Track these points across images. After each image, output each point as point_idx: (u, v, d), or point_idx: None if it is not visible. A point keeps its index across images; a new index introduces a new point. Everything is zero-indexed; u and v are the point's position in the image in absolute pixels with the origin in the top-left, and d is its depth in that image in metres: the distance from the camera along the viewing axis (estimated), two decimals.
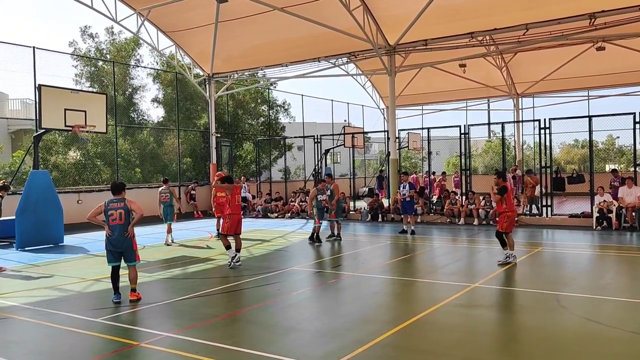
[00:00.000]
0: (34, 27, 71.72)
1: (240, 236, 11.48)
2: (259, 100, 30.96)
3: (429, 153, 20.85)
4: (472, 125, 19.93)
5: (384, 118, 32.93)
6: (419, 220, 18.21)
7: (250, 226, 18.82)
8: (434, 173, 22.66)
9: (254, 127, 30.76)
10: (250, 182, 25.53)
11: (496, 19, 18.31)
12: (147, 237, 16.10)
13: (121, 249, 8.13)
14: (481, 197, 18.33)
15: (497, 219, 11.77)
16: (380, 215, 20.12)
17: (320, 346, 6.10)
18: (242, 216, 12.11)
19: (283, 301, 8.27)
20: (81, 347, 6.32)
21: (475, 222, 17.89)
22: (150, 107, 35.23)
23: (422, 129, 23.30)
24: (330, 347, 6.01)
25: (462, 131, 19.15)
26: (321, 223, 14.47)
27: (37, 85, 15.09)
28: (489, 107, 34.13)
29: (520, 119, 30.20)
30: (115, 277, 8.18)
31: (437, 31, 19.36)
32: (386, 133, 22.64)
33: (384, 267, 11.21)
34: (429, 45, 19.83)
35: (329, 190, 15.24)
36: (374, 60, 21.98)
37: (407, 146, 25.90)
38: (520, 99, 31.07)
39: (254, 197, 24.63)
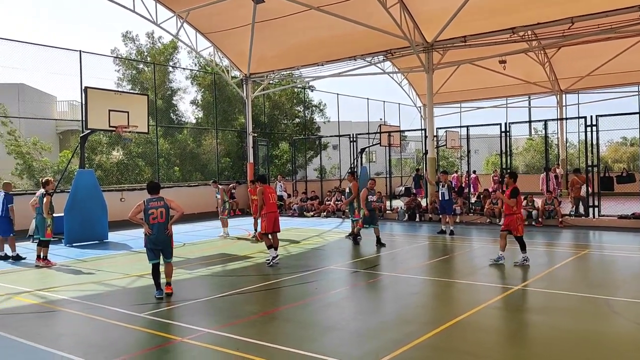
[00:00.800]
0: (79, 32, 74.07)
1: (277, 235, 11.60)
2: (294, 101, 31.13)
3: (468, 152, 20.53)
4: (513, 123, 19.51)
5: (421, 116, 32.62)
6: (457, 220, 17.97)
7: (286, 225, 18.92)
8: (474, 172, 22.32)
9: (289, 127, 30.95)
10: (286, 181, 25.70)
11: (539, 13, 17.87)
12: (185, 235, 16.43)
13: (161, 247, 8.38)
14: (523, 197, 17.92)
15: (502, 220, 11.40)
16: (417, 215, 19.95)
17: (360, 346, 6.11)
18: (279, 214, 12.20)
19: (321, 300, 8.31)
20: (126, 341, 6.51)
21: None
22: (189, 108, 35.91)
23: (461, 127, 22.95)
24: (370, 347, 6.02)
25: (503, 129, 18.79)
26: (366, 227, 13.81)
27: (83, 88, 15.56)
28: (529, 104, 33.38)
29: (564, 116, 29.38)
30: (156, 273, 8.42)
31: (476, 27, 19.05)
32: (423, 131, 22.43)
33: (422, 267, 11.12)
34: (468, 41, 19.54)
35: (347, 188, 15.32)
36: (410, 58, 21.80)
37: (445, 145, 25.58)
38: (564, 95, 30.22)
39: (289, 196, 24.79)
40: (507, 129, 18.89)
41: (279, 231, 11.61)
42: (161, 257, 8.47)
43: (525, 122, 27.55)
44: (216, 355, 5.86)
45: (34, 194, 13.10)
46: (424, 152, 21.62)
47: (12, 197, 12.48)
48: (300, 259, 12.36)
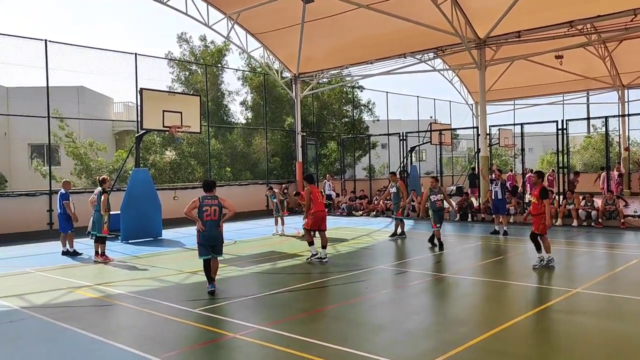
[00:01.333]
0: (134, 35, 76.72)
1: (326, 233, 11.62)
2: (343, 101, 31.08)
3: (522, 150, 19.91)
4: (570, 120, 18.77)
5: (473, 114, 31.93)
6: (511, 220, 17.46)
7: (334, 224, 18.94)
8: (531, 170, 21.59)
9: (338, 127, 30.93)
10: (334, 180, 25.68)
11: (598, 5, 17.09)
12: (235, 233, 16.67)
13: (214, 243, 8.60)
14: (581, 197, 17.24)
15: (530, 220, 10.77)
16: (469, 215, 19.51)
17: (412, 346, 6.00)
18: (327, 214, 12.25)
19: (371, 299, 8.23)
20: (181, 335, 6.65)
21: (575, 223, 16.84)
22: (239, 109, 36.46)
23: (515, 124, 22.30)
24: (422, 348, 5.91)
25: (560, 126, 18.11)
26: (438, 227, 12.93)
27: (138, 89, 16.05)
28: (588, 100, 32.07)
29: (627, 113, 28.02)
30: (208, 268, 8.62)
31: (531, 21, 18.43)
32: (475, 129, 21.93)
33: (474, 268, 10.86)
34: (522, 37, 18.93)
35: (394, 188, 15.18)
36: (462, 55, 21.34)
37: (498, 143, 24.92)
38: (626, 90, 28.83)
39: (338, 195, 24.77)
40: (564, 127, 18.20)
41: (325, 230, 11.63)
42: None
43: (584, 119, 26.45)
44: (268, 352, 5.89)
45: (92, 192, 13.63)
46: (476, 150, 21.13)
47: (67, 195, 12.97)
48: (350, 258, 12.31)
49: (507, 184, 19.56)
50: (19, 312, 7.67)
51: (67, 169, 23.29)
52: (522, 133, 19.49)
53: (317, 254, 11.38)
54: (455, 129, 29.55)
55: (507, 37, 19.19)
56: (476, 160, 21.30)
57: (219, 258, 8.86)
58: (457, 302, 8.09)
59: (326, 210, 12.06)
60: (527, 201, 19.72)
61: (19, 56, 17.25)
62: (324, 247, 11.39)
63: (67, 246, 12.95)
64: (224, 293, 8.57)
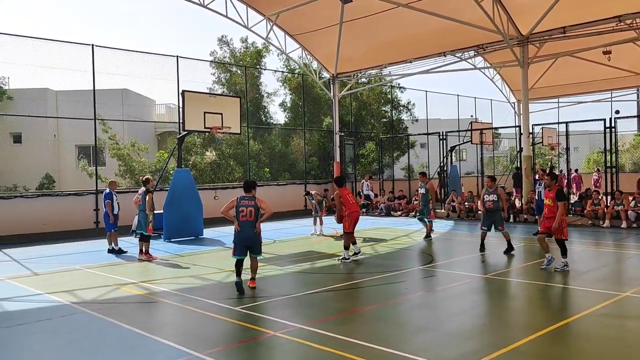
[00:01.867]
0: (176, 38, 78.42)
1: (365, 234, 11.63)
2: (382, 101, 30.93)
3: (567, 149, 19.36)
4: (619, 117, 18.13)
5: (515, 112, 31.24)
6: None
7: (373, 224, 18.89)
8: (576, 170, 20.99)
9: (376, 127, 30.80)
10: (372, 181, 25.56)
11: None
12: (274, 232, 16.82)
13: (250, 243, 8.65)
14: (630, 198, 16.64)
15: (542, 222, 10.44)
16: (511, 216, 19.09)
17: (454, 348, 5.93)
18: (365, 214, 12.29)
19: (412, 300, 8.18)
20: (223, 332, 6.77)
21: (624, 224, 16.27)
22: (277, 110, 36.75)
23: (559, 123, 21.70)
24: (465, 349, 5.83)
25: (607, 124, 17.53)
26: (484, 229, 12.43)
27: (180, 91, 16.39)
28: (638, 97, 30.89)
29: None
30: (239, 266, 8.74)
31: (577, 17, 17.89)
32: (517, 128, 21.46)
33: (517, 270, 10.64)
34: (568, 32, 18.41)
35: (423, 189, 15.03)
36: (503, 52, 20.92)
37: (541, 142, 24.30)
38: None
39: (376, 195, 24.66)
40: (613, 125, 17.62)
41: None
42: (249, 253, 8.74)
43: (634, 116, 25.44)
44: (308, 351, 5.93)
45: (136, 192, 14.00)
46: (518, 149, 20.68)
47: (111, 194, 13.34)
48: (389, 258, 12.25)
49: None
50: (69, 307, 7.96)
51: (112, 170, 24.01)
52: (567, 131, 18.95)
53: (358, 253, 11.52)
54: (496, 128, 28.94)
55: (551, 33, 18.69)
56: (518, 160, 20.84)
57: (258, 258, 8.91)
58: (500, 304, 7.95)
59: (362, 210, 12.10)
60: (573, 202, 19.19)
61: (67, 61, 17.91)
62: (353, 243, 11.65)
63: (113, 244, 13.35)
64: (264, 292, 8.66)
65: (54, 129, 27.43)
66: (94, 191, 17.94)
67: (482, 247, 12.51)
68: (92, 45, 17.84)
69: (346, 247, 11.52)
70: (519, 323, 6.95)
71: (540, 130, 23.53)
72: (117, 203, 13.44)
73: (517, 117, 30.77)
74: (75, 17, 72.49)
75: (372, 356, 5.63)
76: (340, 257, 11.57)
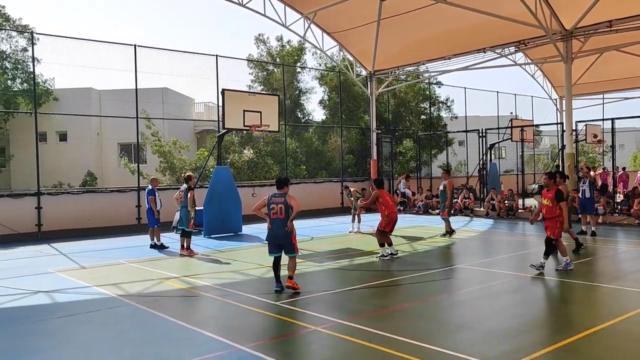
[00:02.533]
0: (215, 37, 79.52)
1: (403, 232, 11.60)
2: (420, 98, 30.66)
3: (612, 146, 18.79)
4: None
5: (557, 109, 30.48)
6: (600, 220, 16.55)
7: (411, 222, 18.77)
8: (623, 169, 20.34)
9: (414, 124, 30.56)
10: (410, 179, 25.36)
11: None
12: (312, 229, 16.91)
13: (281, 242, 8.45)
14: None
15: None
16: None
17: (494, 346, 5.88)
18: (403, 212, 12.28)
19: (451, 298, 8.13)
20: (265, 327, 6.89)
21: None
22: (315, 107, 36.87)
23: (604, 120, 21.06)
24: (505, 348, 5.77)
25: None
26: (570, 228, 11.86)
27: (220, 90, 16.65)
28: None
29: None
30: (276, 266, 8.56)
31: (625, 10, 17.28)
32: (559, 125, 20.95)
33: (560, 269, 10.40)
34: (614, 26, 17.82)
35: (442, 186, 14.87)
36: (545, 48, 20.43)
37: (585, 139, 23.64)
38: None
39: (414, 193, 24.47)
40: None
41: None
42: (283, 252, 8.52)
43: None
44: (350, 345, 5.98)
45: (177, 189, 14.31)
46: (560, 147, 20.18)
47: (154, 191, 13.66)
48: (427, 256, 12.18)
49: (596, 182, 18.54)
50: (116, 299, 8.23)
51: (153, 167, 24.59)
52: (612, 129, 18.39)
53: (387, 255, 11.47)
54: (537, 125, 28.31)
55: (596, 27, 18.15)
56: (560, 158, 20.34)
57: (295, 257, 8.62)
58: (542, 304, 7.82)
59: (399, 208, 12.09)
60: (619, 200, 18.65)
61: (110, 61, 18.45)
62: (385, 245, 11.57)
63: (155, 240, 13.68)
64: (304, 287, 8.73)
65: (97, 128, 28.26)
66: (135, 188, 18.41)
67: (579, 247, 11.93)
68: (135, 45, 18.31)
69: (381, 245, 11.51)
70: (561, 323, 6.82)
71: (584, 127, 22.87)
72: (160, 199, 13.76)
73: (559, 114, 30.01)
74: (117, 18, 74.43)
75: (413, 352, 5.64)
76: (378, 255, 11.57)
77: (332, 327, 6.57)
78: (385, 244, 11.56)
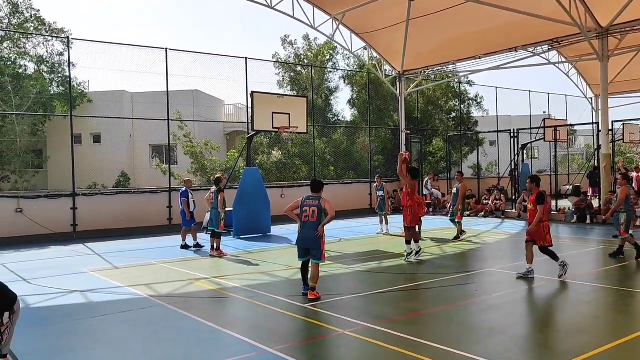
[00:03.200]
0: (243, 39, 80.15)
1: (432, 234, 11.49)
2: (449, 95, 30.31)
3: None
4: None
5: (592, 108, 29.76)
6: (638, 223, 16.03)
7: (441, 224, 18.55)
8: None
9: (444, 122, 30.21)
10: (438, 180, 24.98)
11: None
12: (340, 231, 16.87)
13: (309, 246, 8.13)
14: None
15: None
16: (588, 217, 18.21)
17: (527, 352, 5.77)
18: (432, 213, 12.19)
19: (483, 302, 8.00)
20: (293, 329, 6.91)
21: None
22: (344, 108, 36.77)
23: None
24: (537, 354, 5.67)
25: None
26: (629, 234, 11.25)
27: (249, 92, 16.78)
28: None
29: None
30: (304, 270, 8.40)
31: None
32: (595, 125, 20.43)
33: (595, 274, 10.16)
34: None
35: (455, 189, 14.61)
36: (580, 46, 19.97)
37: (622, 139, 22.99)
38: None
39: (444, 195, 24.19)
40: None
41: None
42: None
43: None
44: (378, 350, 5.95)
45: (207, 190, 14.48)
46: (595, 147, 19.68)
47: (186, 192, 13.87)
48: (457, 259, 12.03)
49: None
50: (147, 300, 8.37)
51: (184, 168, 24.95)
52: None
53: (416, 251, 11.42)
54: (571, 125, 27.65)
55: (634, 24, 17.62)
56: (595, 158, 19.84)
57: (319, 264, 8.19)
58: (576, 310, 7.62)
59: (428, 210, 12.02)
60: None
61: (142, 64, 18.81)
62: (416, 241, 11.57)
63: (187, 240, 13.87)
64: (331, 290, 8.72)
65: (129, 129, 28.82)
66: (167, 189, 18.70)
67: (621, 252, 11.43)
68: (166, 49, 18.60)
69: (407, 242, 11.50)
70: (597, 330, 6.65)
71: (621, 127, 22.25)
72: (193, 201, 13.96)
73: (594, 113, 29.29)
74: (148, 22, 75.74)
75: (441, 357, 5.58)
76: (408, 254, 11.45)
77: (359, 331, 6.54)
78: (412, 241, 11.47)
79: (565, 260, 9.56)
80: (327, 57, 29.85)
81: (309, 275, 8.22)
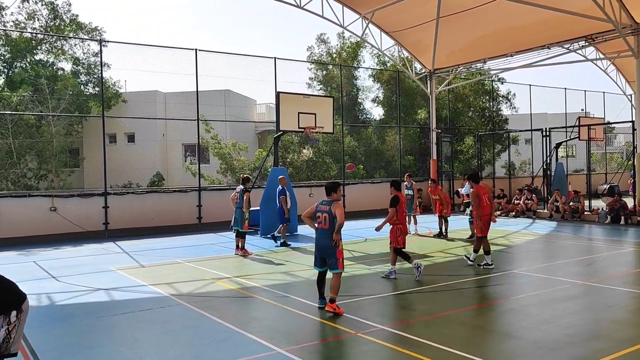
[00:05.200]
0: (274, 38, 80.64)
1: (459, 235, 11.32)
2: (480, 92, 29.79)
3: None
4: None
5: (632, 105, 28.80)
6: None
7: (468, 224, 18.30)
8: None
9: (474, 120, 29.73)
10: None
11: None
12: (366, 230, 16.83)
13: (324, 255, 7.65)
14: None
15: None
16: (622, 218, 17.66)
17: (539, 358, 5.67)
18: (464, 213, 11.93)
19: (501, 305, 7.90)
20: (307, 330, 6.96)
21: None
22: (372, 106, 36.65)
23: None
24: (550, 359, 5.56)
25: None
26: None
27: (276, 93, 16.92)
28: None
29: None
30: (320, 282, 7.82)
31: None
32: (632, 123, 19.77)
33: (624, 277, 9.86)
34: None
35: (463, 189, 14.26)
36: (617, 42, 19.31)
37: None
38: None
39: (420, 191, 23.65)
40: None
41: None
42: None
43: None
44: (387, 353, 5.96)
45: (234, 189, 14.67)
46: (634, 146, 19.06)
47: (284, 190, 14.62)
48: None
49: None
50: (168, 299, 8.57)
51: (215, 168, 25.31)
52: None
53: (491, 263, 10.67)
54: (607, 123, 26.84)
55: None
56: (633, 157, 19.20)
57: (339, 274, 7.62)
58: (598, 314, 7.43)
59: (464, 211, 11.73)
60: None
61: (175, 64, 19.19)
62: (487, 252, 10.67)
63: (281, 236, 14.33)
64: (352, 291, 8.74)
65: (162, 129, 29.40)
66: (196, 188, 19.03)
67: None
68: (196, 49, 18.92)
69: (475, 250, 10.89)
70: (616, 335, 6.46)
71: None
72: (290, 198, 14.52)
73: (634, 110, 28.35)
74: (180, 23, 77.09)
75: None
76: (481, 263, 10.72)
77: (373, 333, 6.55)
78: (480, 249, 10.73)
79: (419, 262, 9.85)
80: (357, 56, 29.76)
81: (330, 286, 7.64)
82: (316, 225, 7.79)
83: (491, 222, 10.94)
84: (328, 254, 7.60)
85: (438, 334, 6.53)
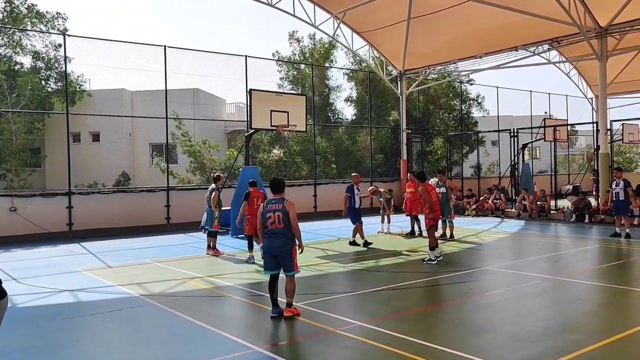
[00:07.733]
0: (244, 36, 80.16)
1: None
2: (450, 95, 30.21)
3: None
4: None
5: (593, 108, 29.63)
6: (635, 222, 15.97)
7: (440, 223, 18.47)
8: None
9: (445, 121, 30.11)
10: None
11: None
12: (339, 230, 16.81)
13: (277, 253, 7.06)
14: None
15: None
16: (587, 216, 18.11)
17: (516, 350, 5.70)
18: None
19: (476, 301, 7.93)
20: (285, 328, 6.82)
21: None
22: (344, 106, 36.71)
23: None
24: (527, 353, 5.59)
25: None
26: None
27: (248, 90, 16.70)
28: None
29: None
30: (272, 287, 7.17)
31: None
32: (594, 125, 20.32)
33: (591, 272, 10.08)
34: None
35: (443, 187, 14.43)
36: (580, 45, 19.85)
37: (622, 139, 22.89)
38: None
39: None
40: None
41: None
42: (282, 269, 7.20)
43: None
44: (367, 348, 5.89)
45: (206, 189, 14.39)
46: (595, 147, 19.58)
47: (352, 187, 13.85)
48: (455, 258, 11.93)
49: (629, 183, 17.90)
50: (138, 299, 8.31)
51: (184, 167, 24.89)
52: None
53: (437, 257, 11.02)
54: (571, 125, 27.55)
55: (633, 24, 17.53)
56: (595, 158, 19.72)
57: (294, 276, 7.17)
58: (569, 308, 7.54)
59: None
60: None
61: (143, 62, 18.70)
62: (432, 248, 11.04)
63: (355, 238, 13.59)
64: (326, 289, 8.67)
65: (129, 128, 28.76)
66: (165, 188, 18.62)
67: None
68: (165, 46, 18.54)
69: (432, 248, 11.01)
70: (589, 327, 6.57)
71: (621, 127, 22.16)
72: (359, 197, 13.80)
73: (594, 113, 29.19)
74: (150, 19, 75.83)
75: (431, 356, 5.53)
76: (426, 259, 11.05)
77: (351, 330, 6.48)
78: (429, 246, 11.05)
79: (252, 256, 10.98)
80: (329, 56, 29.72)
81: (285, 290, 7.10)
82: (267, 226, 7.09)
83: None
84: (283, 255, 7.03)
85: (416, 329, 6.51)
